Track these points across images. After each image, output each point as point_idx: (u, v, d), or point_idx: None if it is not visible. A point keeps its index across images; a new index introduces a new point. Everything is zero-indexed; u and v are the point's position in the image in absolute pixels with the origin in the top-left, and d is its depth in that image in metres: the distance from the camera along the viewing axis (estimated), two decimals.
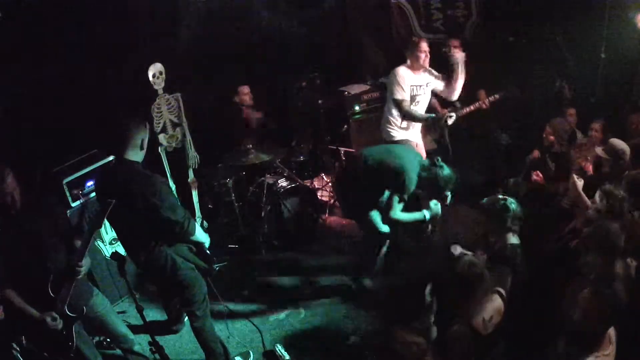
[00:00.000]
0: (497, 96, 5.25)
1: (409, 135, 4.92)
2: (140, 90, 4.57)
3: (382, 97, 6.33)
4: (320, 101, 5.92)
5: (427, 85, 4.84)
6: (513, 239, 3.44)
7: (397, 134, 4.89)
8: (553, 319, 2.92)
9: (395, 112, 4.79)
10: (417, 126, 4.97)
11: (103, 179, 3.42)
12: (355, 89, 6.37)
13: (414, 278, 4.39)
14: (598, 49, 5.31)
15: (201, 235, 3.37)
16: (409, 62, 4.75)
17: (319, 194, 5.82)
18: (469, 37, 6.28)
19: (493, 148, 6.04)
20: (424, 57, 4.69)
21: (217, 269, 3.68)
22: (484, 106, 5.30)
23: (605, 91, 5.45)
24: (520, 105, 5.80)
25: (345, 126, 6.32)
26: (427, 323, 3.06)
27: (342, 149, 6.22)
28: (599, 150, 4.17)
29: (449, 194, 4.09)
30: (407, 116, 4.76)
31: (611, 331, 2.62)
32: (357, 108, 6.26)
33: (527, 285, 3.28)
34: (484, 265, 3.13)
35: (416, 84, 4.77)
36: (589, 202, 3.76)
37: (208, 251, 3.49)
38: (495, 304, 3.00)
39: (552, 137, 4.78)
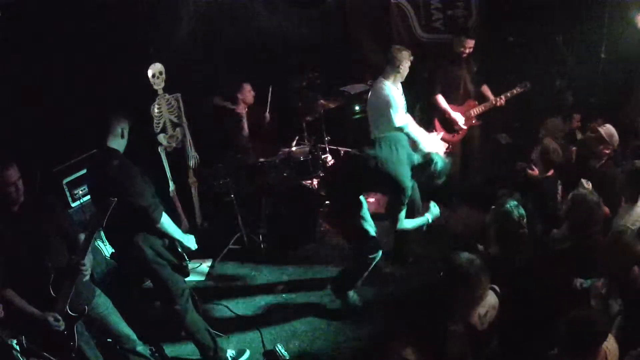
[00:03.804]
0: (518, 89, 5.18)
1: None
2: (130, 87, 4.59)
3: None
4: (320, 101, 5.92)
5: None
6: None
7: None
8: (548, 321, 2.92)
9: None
10: None
11: (89, 168, 3.56)
12: (355, 89, 6.36)
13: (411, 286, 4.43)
14: (598, 49, 5.32)
15: (171, 228, 3.39)
16: (392, 77, 4.69)
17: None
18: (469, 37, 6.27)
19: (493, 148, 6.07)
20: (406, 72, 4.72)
21: (188, 267, 3.66)
22: (499, 103, 5.26)
23: (605, 91, 5.46)
24: (520, 105, 5.81)
25: (345, 126, 6.31)
26: None
27: (342, 149, 6.22)
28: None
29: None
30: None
31: (610, 346, 2.60)
32: (357, 108, 6.25)
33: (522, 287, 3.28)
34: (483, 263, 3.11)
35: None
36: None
37: (180, 249, 3.51)
38: (490, 299, 3.00)
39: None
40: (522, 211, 3.40)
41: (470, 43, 5.12)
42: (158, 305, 4.18)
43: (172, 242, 3.48)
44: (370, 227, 4.06)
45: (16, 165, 2.91)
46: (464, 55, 5.14)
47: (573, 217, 3.48)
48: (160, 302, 3.92)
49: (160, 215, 3.30)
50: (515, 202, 3.43)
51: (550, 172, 4.21)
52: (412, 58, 4.69)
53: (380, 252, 4.11)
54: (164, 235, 3.41)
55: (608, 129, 4.20)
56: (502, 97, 5.22)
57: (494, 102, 5.25)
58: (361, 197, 4.05)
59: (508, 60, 5.84)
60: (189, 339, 3.73)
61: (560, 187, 4.15)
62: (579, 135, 5.17)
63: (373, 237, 4.06)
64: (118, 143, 3.30)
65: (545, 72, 5.74)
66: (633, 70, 5.34)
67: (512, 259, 3.35)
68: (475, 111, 5.29)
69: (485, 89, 5.35)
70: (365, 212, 4.06)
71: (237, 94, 5.53)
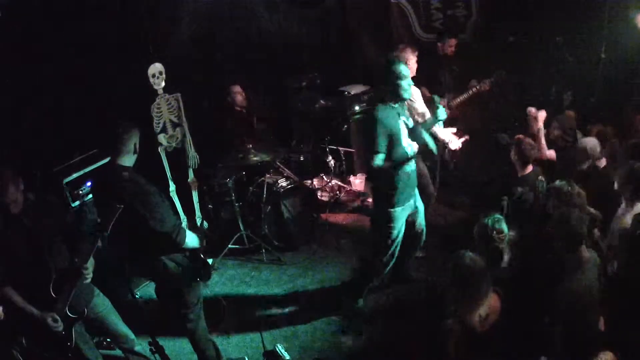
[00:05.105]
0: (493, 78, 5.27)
1: None
2: (134, 91, 4.58)
3: None
4: (320, 101, 5.91)
5: None
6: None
7: None
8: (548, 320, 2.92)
9: None
10: None
11: (98, 184, 3.47)
12: (355, 89, 6.37)
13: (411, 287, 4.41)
14: (598, 49, 5.32)
15: (193, 241, 3.35)
16: None
17: (318, 194, 5.82)
18: (469, 37, 6.28)
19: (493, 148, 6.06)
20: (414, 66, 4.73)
21: (213, 272, 3.64)
22: (484, 88, 5.30)
23: (605, 91, 5.46)
24: (520, 106, 5.80)
25: (345, 126, 6.32)
26: None
27: (342, 149, 6.22)
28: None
29: None
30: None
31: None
32: (357, 108, 6.26)
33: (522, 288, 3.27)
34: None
35: None
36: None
37: (202, 255, 3.47)
38: (492, 302, 2.99)
39: (557, 132, 4.79)
40: (500, 226, 3.31)
41: (454, 42, 5.35)
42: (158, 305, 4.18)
43: (193, 251, 3.41)
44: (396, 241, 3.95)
45: (12, 165, 2.91)
46: (450, 54, 5.26)
47: (556, 208, 3.53)
48: (174, 309, 3.79)
49: (184, 237, 3.22)
50: (498, 217, 3.35)
51: (529, 170, 4.22)
52: (416, 54, 4.71)
53: (388, 268, 4.07)
54: (184, 250, 3.34)
55: (581, 143, 4.28)
56: (480, 85, 5.27)
57: (472, 91, 5.29)
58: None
59: (508, 60, 5.84)
60: (194, 347, 3.70)
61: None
62: (579, 136, 5.17)
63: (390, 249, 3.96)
64: (130, 159, 3.19)
65: (545, 72, 5.74)
66: (633, 70, 5.34)
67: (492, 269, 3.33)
68: (455, 102, 5.34)
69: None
70: (398, 223, 3.91)
71: (227, 97, 5.47)
